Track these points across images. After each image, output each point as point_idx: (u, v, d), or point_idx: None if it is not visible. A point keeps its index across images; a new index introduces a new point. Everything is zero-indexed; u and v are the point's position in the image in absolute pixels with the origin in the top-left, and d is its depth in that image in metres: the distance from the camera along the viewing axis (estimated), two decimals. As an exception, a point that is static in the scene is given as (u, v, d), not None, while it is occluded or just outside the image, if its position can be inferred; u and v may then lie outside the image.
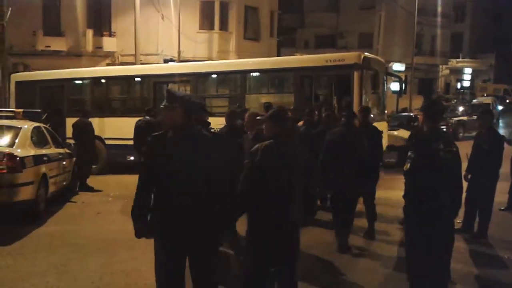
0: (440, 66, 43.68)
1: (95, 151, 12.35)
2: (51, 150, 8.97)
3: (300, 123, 8.91)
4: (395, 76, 15.38)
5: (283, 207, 3.79)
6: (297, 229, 3.97)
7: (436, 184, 4.05)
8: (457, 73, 46.23)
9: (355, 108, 10.90)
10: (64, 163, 9.58)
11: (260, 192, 3.77)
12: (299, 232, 3.97)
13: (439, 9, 39.00)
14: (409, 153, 4.15)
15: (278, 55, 29.23)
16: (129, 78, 14.43)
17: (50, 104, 15.20)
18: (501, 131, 15.06)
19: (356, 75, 10.92)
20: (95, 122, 13.55)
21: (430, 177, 4.04)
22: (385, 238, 7.04)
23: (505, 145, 7.32)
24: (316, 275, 5.51)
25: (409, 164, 4.11)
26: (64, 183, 9.73)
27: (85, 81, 14.98)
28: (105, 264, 5.82)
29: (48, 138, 9.22)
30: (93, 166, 12.15)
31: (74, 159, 10.38)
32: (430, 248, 4.17)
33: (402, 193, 4.34)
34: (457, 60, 44.78)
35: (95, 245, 6.62)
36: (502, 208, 8.75)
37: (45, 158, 8.36)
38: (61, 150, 9.56)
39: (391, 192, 9.15)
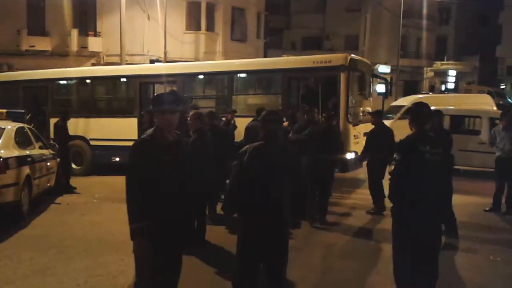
0: (425, 68, 44.08)
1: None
2: (35, 151, 8.83)
3: (285, 123, 9.05)
4: (381, 78, 15.44)
5: (272, 207, 3.81)
6: (286, 229, 3.97)
7: (423, 186, 4.06)
8: (442, 75, 46.64)
9: (341, 109, 10.97)
10: (48, 164, 9.45)
11: (248, 192, 3.79)
12: (287, 232, 3.98)
13: (424, 11, 39.34)
14: (394, 155, 4.15)
15: (265, 56, 29.27)
16: (114, 78, 14.28)
17: (34, 105, 15.06)
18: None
19: (342, 76, 10.93)
20: (80, 122, 13.47)
21: (416, 180, 4.04)
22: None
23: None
24: (304, 275, 5.50)
25: (393, 166, 4.11)
26: (48, 184, 9.59)
27: (70, 81, 14.81)
28: (91, 266, 5.74)
29: (32, 139, 9.09)
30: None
31: (58, 160, 10.23)
32: (417, 249, 4.18)
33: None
34: (442, 62, 45.20)
35: (81, 247, 6.52)
36: (487, 209, 8.83)
37: (29, 159, 8.23)
38: (45, 151, 9.42)
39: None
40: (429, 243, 4.28)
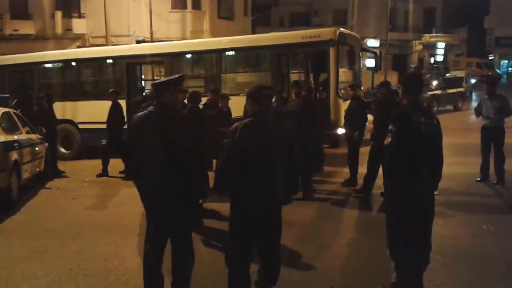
0: (414, 42, 43.94)
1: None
2: (22, 136, 8.68)
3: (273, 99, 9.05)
4: (370, 51, 15.35)
5: (265, 184, 3.76)
6: (280, 206, 3.92)
7: (418, 157, 4.02)
8: (431, 48, 46.57)
9: (331, 84, 10.90)
10: (37, 149, 9.31)
11: (241, 170, 3.73)
12: (281, 209, 3.93)
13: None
14: (389, 127, 4.08)
15: (253, 34, 28.90)
16: (101, 60, 14.03)
17: (20, 89, 14.81)
18: (473, 104, 15.13)
19: (332, 51, 10.85)
20: (68, 106, 13.28)
21: (412, 151, 4.00)
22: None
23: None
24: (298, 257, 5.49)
25: (390, 138, 4.04)
26: (38, 169, 9.47)
27: (56, 64, 14.54)
28: (84, 250, 5.69)
29: (19, 124, 8.93)
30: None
31: (47, 144, 10.09)
32: (410, 221, 4.16)
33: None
34: (430, 35, 45.05)
35: (73, 231, 6.46)
36: (478, 179, 8.86)
37: (16, 145, 8.09)
38: (32, 136, 9.28)
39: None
40: (424, 215, 4.26)
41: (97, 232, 6.36)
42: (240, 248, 3.86)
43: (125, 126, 10.38)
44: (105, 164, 10.50)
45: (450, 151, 10.92)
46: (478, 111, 8.98)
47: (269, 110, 3.94)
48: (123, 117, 10.72)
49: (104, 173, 10.40)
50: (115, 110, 10.54)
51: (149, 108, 3.96)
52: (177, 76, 4.10)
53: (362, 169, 8.38)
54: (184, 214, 3.94)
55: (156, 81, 4.04)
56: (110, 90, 11.12)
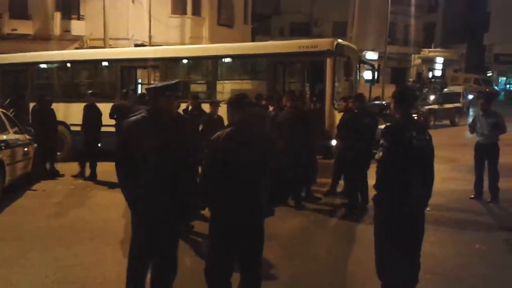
0: (412, 56, 44.05)
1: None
2: (9, 136, 8.51)
3: (271, 108, 9.21)
4: (368, 63, 15.26)
5: (247, 195, 3.63)
6: (262, 217, 3.78)
7: (409, 173, 3.89)
8: (429, 62, 46.70)
9: (327, 95, 10.78)
10: (25, 149, 9.14)
11: (223, 180, 3.60)
12: (263, 221, 3.78)
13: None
14: (381, 141, 3.95)
15: (253, 42, 28.89)
16: (95, 62, 13.89)
17: (13, 89, 14.68)
18: (470, 120, 15.07)
19: (329, 61, 10.74)
20: (60, 107, 13.11)
21: (404, 167, 3.86)
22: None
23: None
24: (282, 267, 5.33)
25: (381, 153, 3.91)
26: (24, 170, 9.29)
27: (50, 65, 14.39)
28: (63, 257, 5.51)
29: (6, 123, 8.76)
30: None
31: (35, 145, 9.91)
32: (400, 238, 4.02)
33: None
34: (429, 49, 45.21)
35: (54, 236, 6.29)
36: (472, 196, 8.73)
37: (1, 144, 7.92)
38: (20, 136, 9.11)
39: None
40: (414, 232, 4.12)
41: (79, 238, 6.18)
42: (220, 260, 3.70)
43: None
44: (83, 166, 10.43)
45: (445, 167, 10.83)
46: (472, 128, 8.85)
47: (252, 118, 3.83)
48: (101, 120, 10.49)
49: (93, 176, 10.21)
50: (91, 112, 10.35)
51: (143, 113, 3.84)
52: (174, 82, 4.00)
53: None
54: (175, 215, 3.83)
55: (152, 86, 3.92)
56: (89, 92, 10.97)
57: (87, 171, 10.42)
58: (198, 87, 13.34)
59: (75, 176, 10.32)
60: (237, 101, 3.80)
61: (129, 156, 3.72)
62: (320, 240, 6.44)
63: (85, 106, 10.56)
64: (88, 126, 10.33)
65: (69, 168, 10.91)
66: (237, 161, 3.60)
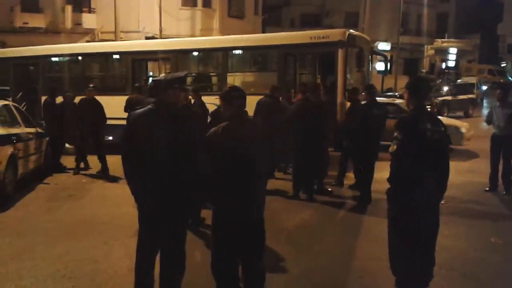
0: (426, 46, 43.47)
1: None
2: (20, 130, 8.52)
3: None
4: (381, 54, 15.07)
5: (246, 191, 3.58)
6: (262, 213, 3.75)
7: (424, 166, 3.79)
8: (442, 53, 46.05)
9: (339, 86, 10.65)
10: (36, 143, 9.15)
11: (222, 176, 3.56)
12: (263, 216, 3.75)
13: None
14: (395, 134, 3.84)
15: (263, 33, 28.72)
16: (106, 55, 13.89)
17: (25, 82, 14.74)
18: (484, 111, 14.87)
19: (340, 52, 10.62)
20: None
21: (418, 159, 3.77)
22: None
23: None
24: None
25: (395, 146, 3.81)
26: (37, 164, 9.31)
27: (61, 58, 14.42)
28: (73, 250, 5.49)
29: (18, 117, 8.77)
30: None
31: (47, 139, 9.92)
32: (414, 232, 3.93)
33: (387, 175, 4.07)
34: (442, 40, 44.53)
35: (64, 230, 6.27)
36: (487, 189, 8.58)
37: (13, 138, 7.93)
38: (32, 130, 9.12)
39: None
40: (428, 226, 4.04)
41: (89, 232, 6.16)
42: (223, 256, 3.66)
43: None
44: (79, 161, 10.33)
45: (459, 158, 10.66)
46: (489, 119, 8.69)
47: (243, 112, 3.72)
48: (103, 114, 10.36)
49: (104, 170, 10.18)
50: (90, 107, 10.17)
51: (149, 106, 3.78)
52: (183, 74, 3.95)
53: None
54: (180, 208, 3.74)
55: (160, 78, 3.85)
56: (91, 86, 10.88)
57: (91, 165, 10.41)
58: (209, 79, 13.27)
59: (75, 172, 10.21)
60: (225, 95, 3.75)
61: (135, 149, 3.66)
62: (331, 234, 6.35)
63: (83, 100, 10.31)
64: (87, 120, 10.09)
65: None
66: (235, 156, 3.55)
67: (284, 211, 7.29)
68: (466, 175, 9.29)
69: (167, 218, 3.70)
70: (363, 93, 8.64)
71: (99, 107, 10.25)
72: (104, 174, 9.90)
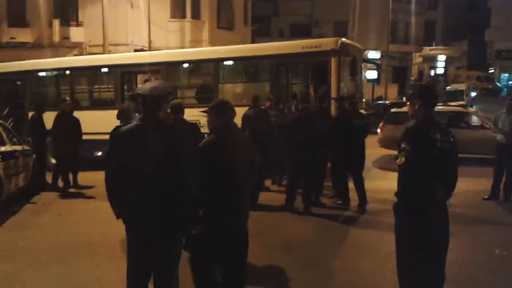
0: (414, 54, 43.69)
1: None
2: (6, 148, 8.23)
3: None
4: (373, 62, 15.00)
5: (236, 200, 3.60)
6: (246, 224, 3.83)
7: (434, 177, 3.60)
8: (430, 60, 46.29)
9: (333, 95, 10.47)
10: (22, 161, 8.85)
11: (215, 186, 3.60)
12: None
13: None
14: (402, 145, 3.63)
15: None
16: (94, 69, 13.64)
17: (12, 98, 14.46)
18: (474, 118, 14.74)
19: (333, 61, 10.46)
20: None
21: (428, 171, 3.57)
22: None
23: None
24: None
25: (404, 158, 3.62)
26: (23, 183, 9.00)
27: (48, 73, 14.15)
28: (63, 274, 5.22)
29: (3, 134, 8.48)
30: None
31: (34, 156, 9.63)
32: (426, 247, 3.72)
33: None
34: (430, 48, 44.82)
35: (54, 252, 5.99)
36: (485, 197, 8.43)
37: (-3, 157, 7.66)
38: (18, 147, 8.83)
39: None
40: (439, 242, 3.83)
41: (80, 254, 5.88)
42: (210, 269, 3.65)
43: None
44: (56, 177, 10.06)
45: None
46: (496, 126, 8.56)
47: (230, 126, 3.80)
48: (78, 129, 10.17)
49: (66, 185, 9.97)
50: (67, 121, 9.91)
51: (135, 122, 3.52)
52: (166, 89, 3.66)
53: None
54: (174, 228, 3.49)
55: (143, 93, 3.56)
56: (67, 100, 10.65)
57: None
58: (199, 91, 13.07)
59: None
60: (218, 107, 3.78)
61: (122, 167, 3.39)
62: (331, 248, 6.13)
63: (60, 115, 10.00)
64: (63, 135, 9.76)
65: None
66: (226, 167, 3.55)
67: (283, 224, 7.09)
68: (461, 183, 9.11)
69: (159, 238, 3.44)
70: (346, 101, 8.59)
71: (76, 123, 10.00)
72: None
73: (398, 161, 3.62)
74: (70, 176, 10.18)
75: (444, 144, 3.60)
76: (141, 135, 3.41)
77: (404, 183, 3.69)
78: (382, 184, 9.24)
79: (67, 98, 11.04)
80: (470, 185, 9.13)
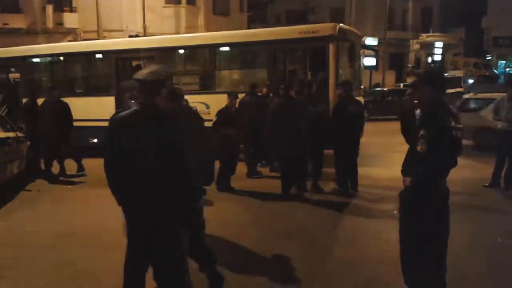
0: (411, 41, 43.44)
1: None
2: (-2, 135, 8.08)
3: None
4: (371, 49, 14.82)
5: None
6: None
7: (447, 164, 3.49)
8: (428, 47, 46.07)
9: (331, 81, 10.34)
10: (15, 148, 8.69)
11: None
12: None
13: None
14: (421, 132, 3.47)
15: (250, 30, 28.38)
16: (88, 54, 13.40)
17: (6, 85, 14.25)
18: (472, 105, 14.62)
19: (331, 47, 10.30)
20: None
21: (444, 159, 3.45)
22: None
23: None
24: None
25: (424, 145, 3.44)
26: (16, 170, 8.84)
27: (42, 59, 13.92)
28: (55, 265, 5.08)
29: (-5, 121, 8.32)
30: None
31: (28, 143, 9.46)
32: (432, 237, 3.62)
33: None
34: (427, 34, 44.55)
35: (48, 242, 5.86)
36: (486, 185, 8.34)
37: (-12, 144, 7.49)
38: (10, 134, 8.66)
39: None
40: (442, 231, 3.74)
41: (74, 244, 5.76)
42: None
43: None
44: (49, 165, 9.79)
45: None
46: (496, 114, 8.42)
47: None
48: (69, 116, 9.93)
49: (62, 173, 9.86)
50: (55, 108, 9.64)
51: (134, 107, 3.37)
52: (163, 73, 3.46)
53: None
54: (169, 218, 3.34)
55: (141, 77, 3.38)
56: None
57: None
58: (195, 78, 12.89)
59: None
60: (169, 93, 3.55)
61: (119, 154, 3.27)
62: (331, 237, 6.03)
63: (47, 102, 9.74)
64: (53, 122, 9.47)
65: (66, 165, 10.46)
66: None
67: (280, 214, 7.00)
68: (460, 170, 9.02)
69: (157, 229, 3.31)
70: (338, 90, 8.45)
71: (64, 110, 9.79)
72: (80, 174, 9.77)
73: (418, 148, 3.48)
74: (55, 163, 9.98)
75: (458, 131, 3.46)
76: (138, 124, 3.26)
77: (424, 170, 3.53)
78: (386, 172, 9.16)
79: (49, 85, 10.76)
80: (470, 172, 9.05)
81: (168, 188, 3.26)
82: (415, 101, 3.78)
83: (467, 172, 9.05)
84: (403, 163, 3.75)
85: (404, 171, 3.69)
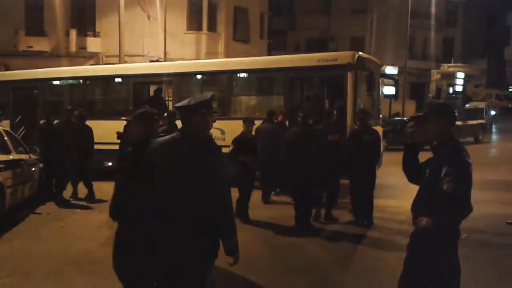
0: (432, 71, 43.19)
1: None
2: (10, 157, 8.02)
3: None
4: (391, 78, 14.65)
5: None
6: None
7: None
8: (449, 77, 45.69)
9: (348, 111, 10.17)
10: (29, 170, 8.65)
11: None
12: None
13: (433, 10, 38.52)
14: (445, 170, 3.11)
15: (269, 56, 28.49)
16: (107, 78, 13.51)
17: (24, 106, 14.38)
18: (493, 137, 14.34)
19: (349, 75, 10.15)
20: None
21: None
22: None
23: None
24: None
25: (452, 183, 3.06)
26: (28, 193, 8.78)
27: (61, 82, 14.07)
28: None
29: (8, 143, 8.26)
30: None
31: (41, 165, 9.42)
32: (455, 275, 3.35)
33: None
34: (449, 64, 44.27)
35: (49, 269, 5.68)
36: (510, 222, 7.97)
37: (1, 166, 7.42)
38: (24, 156, 8.62)
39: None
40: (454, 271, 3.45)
41: (80, 271, 5.59)
42: None
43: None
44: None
45: (474, 188, 10.02)
46: None
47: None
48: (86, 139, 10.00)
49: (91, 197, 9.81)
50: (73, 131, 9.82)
51: (174, 134, 3.27)
52: (208, 95, 3.39)
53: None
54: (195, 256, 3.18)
55: (181, 103, 3.29)
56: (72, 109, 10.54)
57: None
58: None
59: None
60: (139, 117, 3.75)
61: (154, 181, 3.17)
62: (347, 272, 5.76)
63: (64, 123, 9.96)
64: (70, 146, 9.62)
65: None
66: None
67: (292, 245, 6.76)
68: (482, 205, 8.67)
69: (180, 267, 3.18)
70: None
71: (85, 132, 9.88)
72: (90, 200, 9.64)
73: (445, 187, 3.10)
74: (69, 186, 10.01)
75: (470, 167, 3.22)
76: (177, 151, 3.16)
77: (459, 213, 3.21)
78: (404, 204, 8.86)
79: (69, 107, 10.87)
80: (492, 208, 8.70)
81: (205, 221, 3.13)
82: (417, 134, 3.46)
83: (489, 208, 8.71)
84: (415, 203, 3.46)
85: (417, 212, 3.37)
